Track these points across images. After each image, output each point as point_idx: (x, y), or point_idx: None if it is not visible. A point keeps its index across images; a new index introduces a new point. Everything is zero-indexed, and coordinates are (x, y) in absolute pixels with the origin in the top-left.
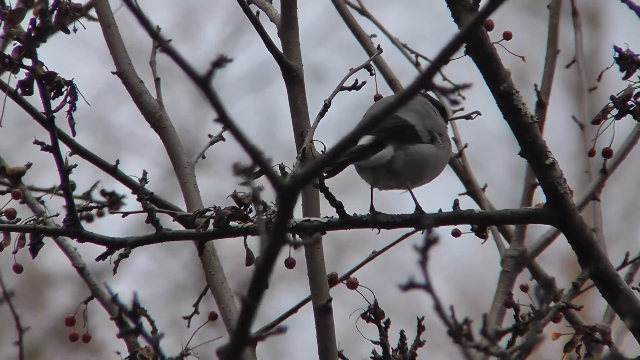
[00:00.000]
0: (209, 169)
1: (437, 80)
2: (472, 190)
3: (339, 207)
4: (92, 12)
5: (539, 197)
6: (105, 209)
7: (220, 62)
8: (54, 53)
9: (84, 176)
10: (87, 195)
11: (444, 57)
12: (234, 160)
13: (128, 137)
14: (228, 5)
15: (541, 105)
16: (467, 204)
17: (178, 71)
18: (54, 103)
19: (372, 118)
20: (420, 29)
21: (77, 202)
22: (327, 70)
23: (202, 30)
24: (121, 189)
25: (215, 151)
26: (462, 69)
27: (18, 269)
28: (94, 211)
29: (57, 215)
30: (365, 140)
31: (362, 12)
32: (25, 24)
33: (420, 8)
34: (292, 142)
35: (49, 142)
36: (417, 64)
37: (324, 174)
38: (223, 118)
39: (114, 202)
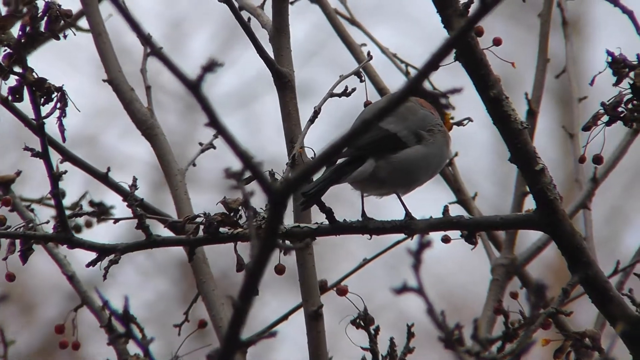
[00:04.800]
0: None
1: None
2: (463, 199)
3: (328, 213)
4: (83, 23)
5: (529, 206)
6: (94, 219)
7: (211, 66)
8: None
9: (73, 186)
10: (75, 206)
11: (434, 62)
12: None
13: (112, 155)
14: (214, 21)
15: (531, 114)
16: (458, 212)
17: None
18: (44, 110)
19: (363, 123)
20: (410, 43)
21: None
22: (315, 86)
23: (187, 46)
24: (110, 197)
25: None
26: (451, 77)
27: (10, 277)
28: (82, 221)
29: (47, 222)
30: (341, 158)
31: (353, 22)
32: (15, 31)
33: (410, 25)
34: (279, 157)
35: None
36: (407, 73)
37: (300, 205)
38: (214, 122)
39: (102, 212)
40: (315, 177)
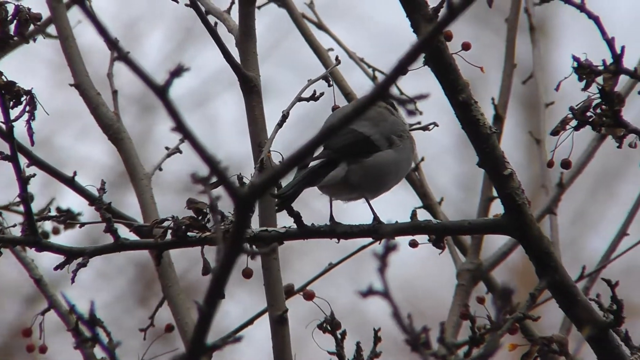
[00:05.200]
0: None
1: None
2: (429, 204)
3: (296, 217)
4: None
5: (495, 211)
6: (62, 226)
7: (178, 71)
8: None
9: (33, 189)
10: (43, 212)
11: (403, 66)
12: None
13: (68, 157)
14: (169, 21)
15: (498, 119)
16: (424, 217)
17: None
18: (13, 113)
19: (330, 127)
20: (375, 47)
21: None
22: (274, 85)
23: (143, 47)
24: (71, 200)
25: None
26: (417, 80)
27: None
28: (49, 227)
29: (14, 226)
30: (316, 160)
31: (320, 26)
32: None
33: (376, 29)
34: (236, 156)
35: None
36: (374, 78)
37: (276, 207)
38: (180, 127)
39: (70, 218)
40: (284, 180)
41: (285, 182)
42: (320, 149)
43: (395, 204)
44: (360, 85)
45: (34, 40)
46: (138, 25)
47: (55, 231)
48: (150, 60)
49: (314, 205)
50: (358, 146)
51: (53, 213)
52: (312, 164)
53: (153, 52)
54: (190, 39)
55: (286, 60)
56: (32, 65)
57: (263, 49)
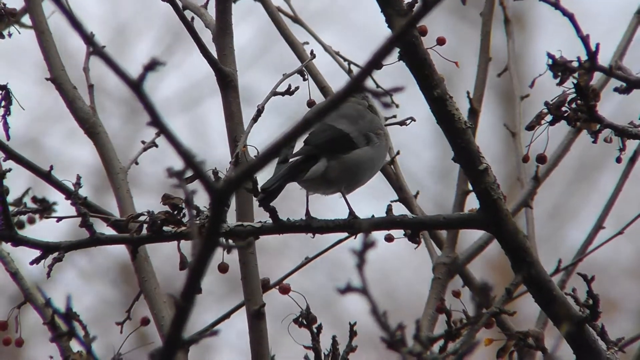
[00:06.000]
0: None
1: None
2: (404, 197)
3: (272, 211)
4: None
5: (471, 204)
6: (37, 216)
7: (153, 65)
8: None
9: (15, 187)
10: (18, 202)
11: (376, 60)
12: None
13: (51, 160)
14: (158, 26)
15: (473, 112)
16: (399, 211)
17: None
18: None
19: (304, 121)
20: (355, 48)
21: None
22: (259, 91)
23: (132, 51)
24: (53, 195)
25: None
26: (394, 75)
27: None
28: (25, 217)
29: None
30: (297, 156)
31: (295, 20)
32: None
33: (355, 31)
34: (225, 159)
35: None
36: (349, 71)
37: (259, 202)
38: (156, 121)
39: (45, 208)
40: (259, 175)
41: (261, 177)
42: (301, 145)
43: (371, 197)
44: (337, 79)
45: (9, 35)
46: (127, 30)
47: (31, 220)
48: (139, 64)
49: (288, 201)
50: (337, 143)
51: (29, 205)
52: (292, 159)
53: (142, 56)
54: (179, 43)
55: (273, 67)
56: (22, 68)
57: (251, 53)
